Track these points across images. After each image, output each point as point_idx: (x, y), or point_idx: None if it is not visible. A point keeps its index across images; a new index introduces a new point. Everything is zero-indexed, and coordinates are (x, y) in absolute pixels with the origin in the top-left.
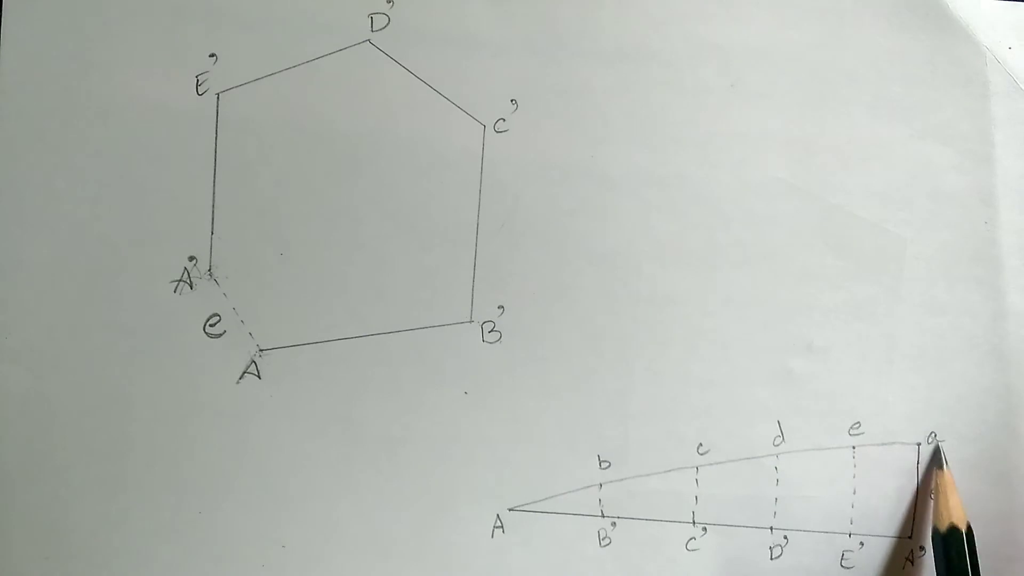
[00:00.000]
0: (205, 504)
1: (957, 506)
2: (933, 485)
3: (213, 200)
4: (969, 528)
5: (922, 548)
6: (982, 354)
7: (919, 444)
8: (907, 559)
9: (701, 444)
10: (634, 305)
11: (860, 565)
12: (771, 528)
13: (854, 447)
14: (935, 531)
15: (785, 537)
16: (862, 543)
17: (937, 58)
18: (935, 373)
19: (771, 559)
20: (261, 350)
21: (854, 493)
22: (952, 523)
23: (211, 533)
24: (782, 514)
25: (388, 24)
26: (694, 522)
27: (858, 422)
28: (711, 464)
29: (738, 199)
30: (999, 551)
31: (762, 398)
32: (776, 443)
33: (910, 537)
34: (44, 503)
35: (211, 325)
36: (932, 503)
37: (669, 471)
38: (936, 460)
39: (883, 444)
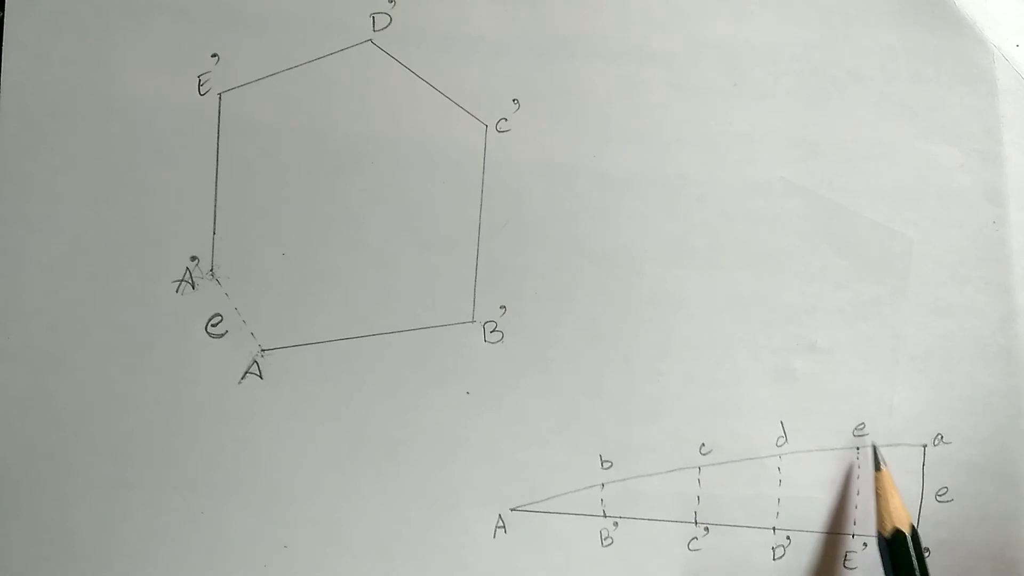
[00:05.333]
0: (207, 504)
1: (899, 508)
2: (873, 488)
3: (215, 200)
4: (913, 530)
5: (927, 549)
6: (990, 355)
7: (925, 446)
8: None
9: (704, 444)
10: (637, 305)
11: (863, 566)
12: (774, 528)
13: (858, 448)
14: (879, 536)
15: (788, 538)
16: (865, 544)
17: (943, 56)
18: (941, 374)
19: (774, 560)
20: (263, 350)
21: (858, 494)
22: (896, 527)
23: (213, 533)
24: (785, 515)
25: (390, 24)
26: (696, 522)
27: (862, 423)
28: (714, 464)
29: (741, 199)
30: (1006, 554)
31: (765, 398)
32: (779, 443)
33: None
34: (45, 503)
35: (213, 325)
36: (874, 506)
37: (671, 471)
38: (874, 462)
39: (888, 445)
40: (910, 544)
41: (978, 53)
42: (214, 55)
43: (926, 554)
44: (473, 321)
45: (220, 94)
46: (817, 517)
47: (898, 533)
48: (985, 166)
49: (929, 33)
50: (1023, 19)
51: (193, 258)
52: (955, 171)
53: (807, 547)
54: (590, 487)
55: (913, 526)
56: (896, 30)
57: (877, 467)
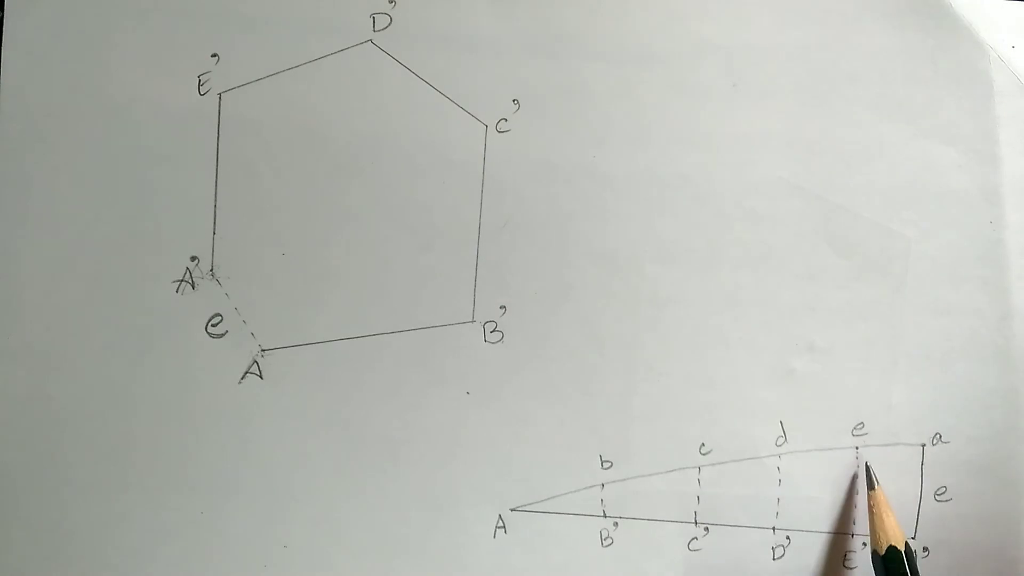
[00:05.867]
0: (207, 504)
1: (894, 526)
2: (867, 505)
3: (215, 200)
4: (907, 546)
5: (925, 549)
6: (988, 355)
7: (923, 445)
8: None
9: (703, 444)
10: (636, 305)
11: (863, 566)
12: (773, 528)
13: (857, 448)
14: (874, 553)
15: (787, 537)
16: (864, 543)
17: (940, 57)
18: (940, 374)
19: (773, 559)
20: (263, 350)
21: (857, 493)
22: (891, 544)
23: (213, 533)
24: (784, 514)
25: (390, 24)
26: (696, 522)
27: (861, 423)
28: (713, 464)
29: (740, 199)
30: (1004, 554)
31: (764, 398)
32: (778, 443)
33: (913, 538)
34: (45, 503)
35: (213, 325)
36: (868, 523)
37: (671, 471)
38: (867, 480)
39: (886, 445)
40: (904, 561)
41: (975, 55)
42: (214, 55)
43: (925, 554)
44: (473, 321)
45: (220, 94)
46: (817, 517)
47: (892, 549)
48: (982, 166)
49: (926, 35)
50: (1019, 21)
51: (193, 258)
52: (952, 171)
53: (807, 547)
54: (590, 487)
55: (907, 543)
56: (893, 32)
57: (871, 486)
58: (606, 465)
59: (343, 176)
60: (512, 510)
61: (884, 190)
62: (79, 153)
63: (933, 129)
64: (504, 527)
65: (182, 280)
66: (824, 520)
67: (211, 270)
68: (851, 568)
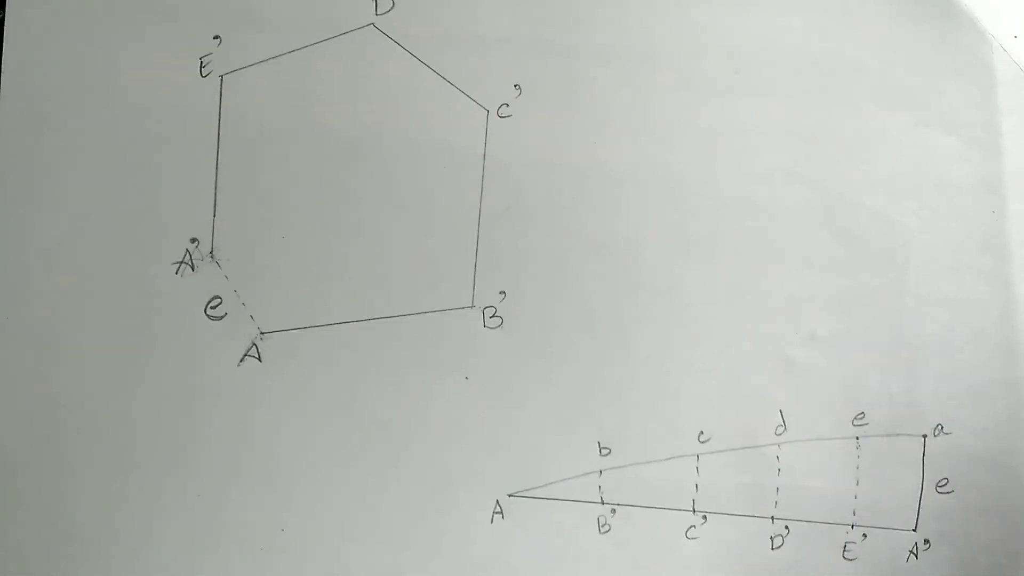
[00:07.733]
0: (204, 487)
1: None
2: None
3: (215, 182)
4: None
5: (927, 541)
6: (990, 345)
7: (925, 436)
8: (911, 552)
9: (702, 432)
10: (636, 292)
11: (863, 557)
12: (772, 518)
13: (858, 438)
14: None
15: (786, 527)
16: (865, 535)
17: (942, 46)
18: (941, 364)
19: (772, 549)
20: (262, 333)
21: (857, 484)
22: None
23: (210, 516)
24: (783, 504)
25: (392, 8)
26: (694, 510)
27: (862, 413)
28: (712, 452)
29: (741, 188)
30: (1006, 546)
31: (764, 387)
32: (778, 432)
33: (914, 530)
34: (45, 486)
35: (212, 307)
36: None
37: (670, 459)
38: None
39: (887, 435)
40: None
41: (977, 43)
42: (216, 37)
43: (926, 546)
44: (473, 306)
45: (222, 76)
46: (816, 507)
47: None
48: (984, 156)
49: (928, 24)
50: (1021, 10)
51: (193, 240)
52: (954, 161)
53: (806, 537)
54: (588, 474)
55: None
56: (895, 20)
57: None
58: (604, 452)
59: (344, 159)
60: (510, 496)
61: (885, 179)
62: (80, 135)
63: (935, 118)
64: (502, 513)
65: (182, 262)
66: (823, 510)
67: (211, 252)
68: (851, 559)
